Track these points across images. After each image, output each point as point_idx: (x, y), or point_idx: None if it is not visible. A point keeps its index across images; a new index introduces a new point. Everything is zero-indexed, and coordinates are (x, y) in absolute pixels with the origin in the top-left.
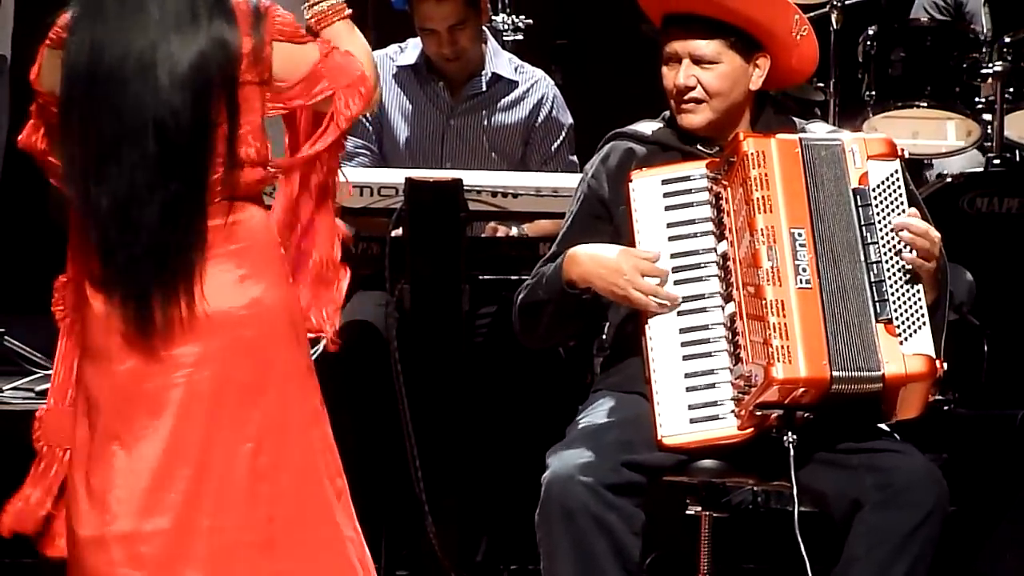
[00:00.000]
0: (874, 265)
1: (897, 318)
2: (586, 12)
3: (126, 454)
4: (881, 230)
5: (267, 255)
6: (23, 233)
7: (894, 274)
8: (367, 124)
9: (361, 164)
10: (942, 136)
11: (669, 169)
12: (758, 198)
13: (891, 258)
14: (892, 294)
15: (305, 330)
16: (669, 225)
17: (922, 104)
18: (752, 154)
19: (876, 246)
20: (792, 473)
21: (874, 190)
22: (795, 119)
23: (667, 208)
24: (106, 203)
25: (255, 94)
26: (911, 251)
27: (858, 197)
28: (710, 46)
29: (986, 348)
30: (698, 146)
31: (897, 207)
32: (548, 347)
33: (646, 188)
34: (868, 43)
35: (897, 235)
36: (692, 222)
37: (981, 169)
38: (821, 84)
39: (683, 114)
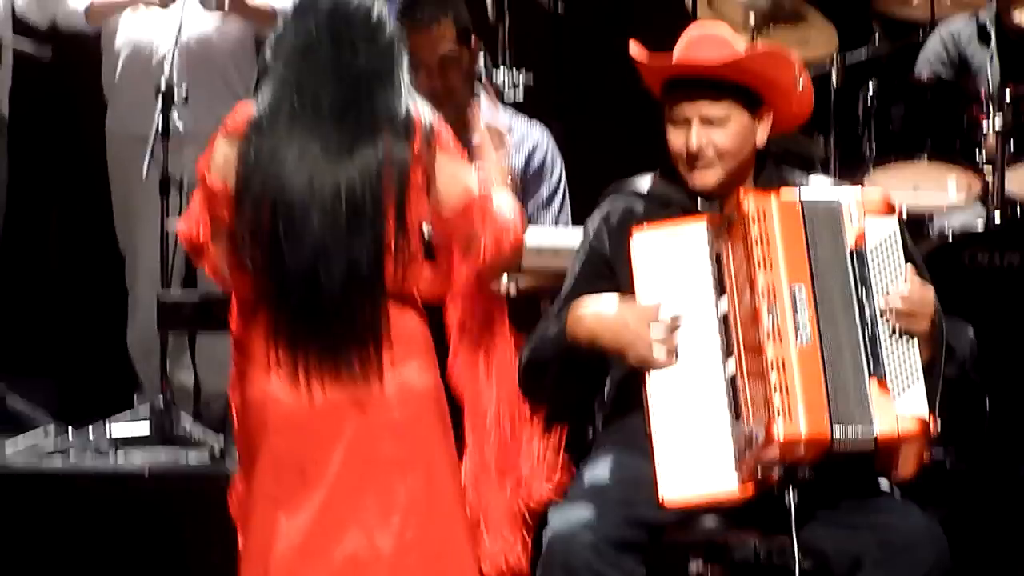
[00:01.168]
0: (869, 322)
1: (890, 375)
2: (587, 68)
3: (287, 520)
4: (877, 288)
5: (417, 344)
6: (24, 293)
7: (889, 332)
8: None
9: None
10: (943, 191)
11: (670, 226)
12: (758, 255)
13: (886, 316)
14: (886, 351)
15: (448, 416)
16: (670, 283)
17: (923, 158)
18: (753, 211)
19: (871, 304)
20: (793, 531)
21: (871, 247)
22: (795, 170)
23: (668, 265)
24: (285, 282)
25: (420, 200)
26: (901, 315)
27: (855, 255)
28: (720, 107)
29: (987, 404)
30: (699, 202)
31: (894, 264)
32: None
33: (648, 245)
34: (869, 99)
35: (889, 306)
36: (693, 279)
37: (982, 224)
38: (821, 140)
39: (695, 175)
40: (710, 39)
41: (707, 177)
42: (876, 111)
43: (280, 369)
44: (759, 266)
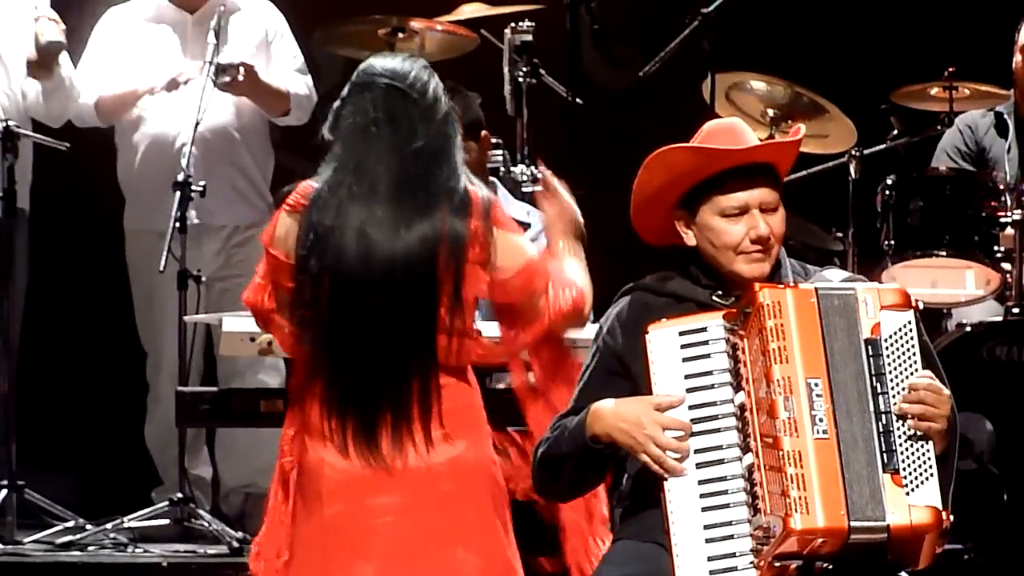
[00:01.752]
0: (883, 415)
1: (904, 469)
2: (603, 162)
3: None
4: (892, 381)
5: (470, 418)
6: (43, 388)
7: (903, 425)
8: None
9: None
10: (961, 285)
11: (686, 321)
12: (774, 348)
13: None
14: (900, 445)
15: (503, 489)
16: (687, 376)
17: (941, 253)
18: (768, 305)
19: (886, 396)
20: None
21: (886, 340)
22: (809, 266)
23: (684, 360)
24: (339, 355)
25: (476, 275)
26: (914, 418)
27: (870, 347)
28: (774, 193)
29: (1005, 497)
30: (714, 297)
31: (909, 358)
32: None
33: (663, 340)
34: (887, 192)
35: (902, 409)
36: (709, 373)
37: (1000, 318)
38: (840, 234)
39: (754, 264)
40: (737, 129)
41: (765, 265)
42: (895, 205)
43: (334, 438)
44: (775, 359)
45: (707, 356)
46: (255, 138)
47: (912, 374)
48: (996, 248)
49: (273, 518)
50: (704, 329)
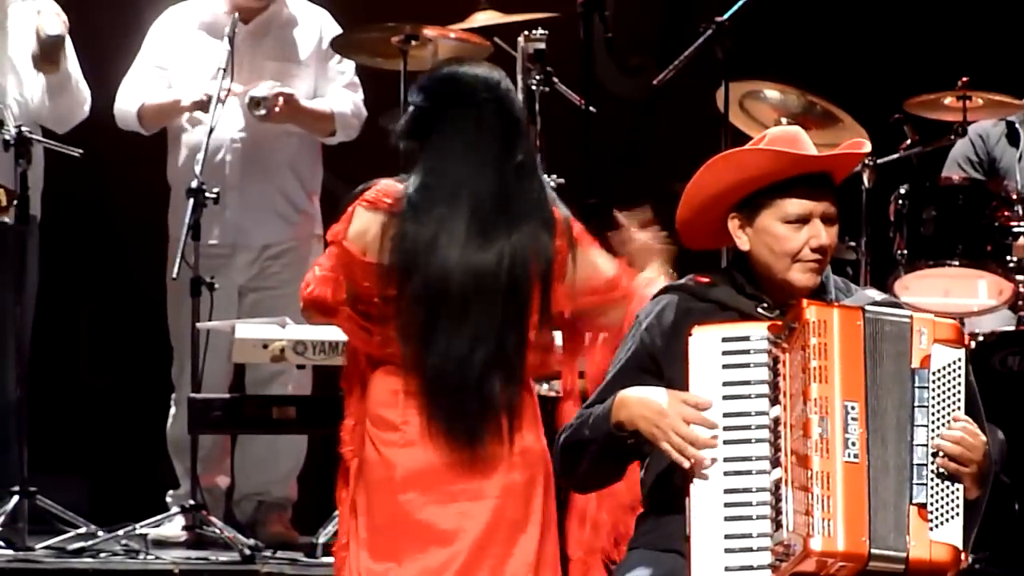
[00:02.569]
0: (919, 448)
1: (931, 504)
2: (617, 170)
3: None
4: (933, 414)
5: (533, 412)
6: (55, 394)
7: (936, 460)
8: None
9: None
10: (974, 295)
11: (730, 328)
12: (815, 367)
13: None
14: (931, 480)
15: (554, 480)
16: (725, 384)
17: (954, 263)
18: (814, 323)
19: (925, 429)
20: None
21: (934, 373)
22: (852, 284)
23: (724, 366)
24: (438, 359)
25: (559, 291)
26: (947, 457)
27: (916, 377)
28: (834, 205)
29: (1017, 507)
30: (759, 308)
31: (954, 395)
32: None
33: (705, 344)
34: (900, 202)
35: (939, 447)
36: (748, 383)
37: (1013, 328)
38: (853, 243)
39: (808, 274)
40: (801, 138)
41: (817, 277)
42: (908, 214)
43: (418, 432)
44: (815, 378)
45: (747, 366)
46: (299, 154)
47: (954, 411)
48: (1009, 258)
49: (341, 509)
50: (747, 338)
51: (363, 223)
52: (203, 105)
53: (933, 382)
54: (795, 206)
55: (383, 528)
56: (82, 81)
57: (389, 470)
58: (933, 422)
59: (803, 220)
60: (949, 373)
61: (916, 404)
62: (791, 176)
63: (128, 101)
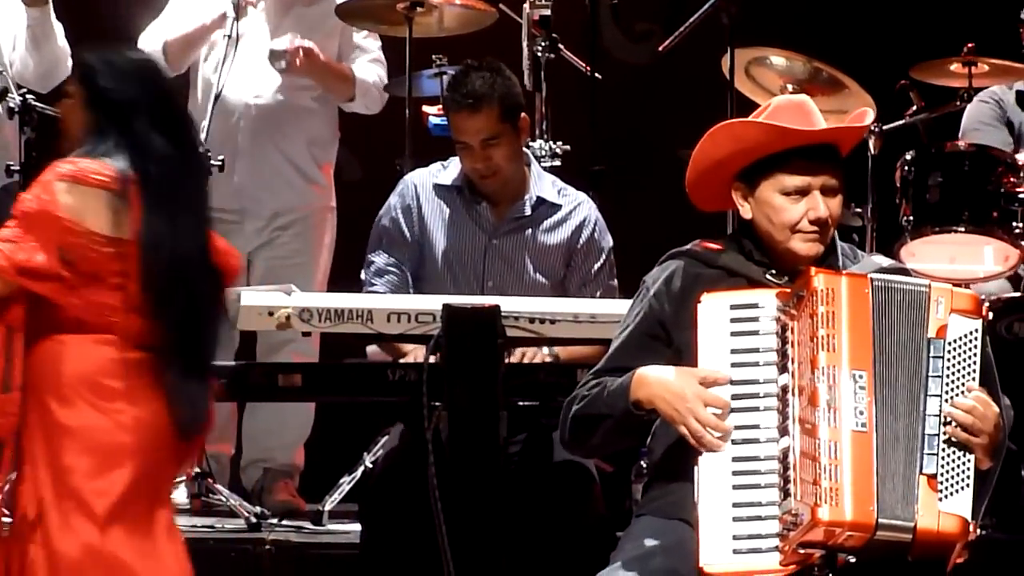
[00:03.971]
0: (931, 418)
1: (942, 475)
2: (623, 138)
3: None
4: (947, 385)
5: None
6: None
7: (947, 430)
8: (406, 240)
9: (390, 283)
10: (980, 261)
11: (739, 294)
12: (823, 336)
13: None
14: (942, 450)
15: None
16: (733, 351)
17: (960, 229)
18: (822, 291)
19: (939, 399)
20: None
21: (950, 344)
22: (858, 251)
23: (733, 334)
24: (175, 325)
25: None
26: (958, 427)
27: (932, 347)
28: (837, 177)
29: (1023, 473)
30: (767, 275)
31: (969, 366)
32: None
33: (714, 310)
34: (906, 168)
35: (951, 416)
36: (756, 350)
37: (1019, 294)
38: (859, 209)
39: (810, 244)
40: (806, 108)
41: (819, 246)
42: (913, 180)
43: (147, 395)
44: (823, 347)
45: (755, 333)
46: (314, 123)
47: (969, 382)
48: (1015, 224)
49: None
50: (756, 305)
51: (77, 198)
52: (224, 18)
53: (949, 352)
54: (793, 179)
55: (120, 493)
56: (63, 37)
57: (118, 434)
58: (947, 392)
59: (802, 192)
60: (965, 344)
61: (930, 374)
62: (787, 149)
63: (150, 42)
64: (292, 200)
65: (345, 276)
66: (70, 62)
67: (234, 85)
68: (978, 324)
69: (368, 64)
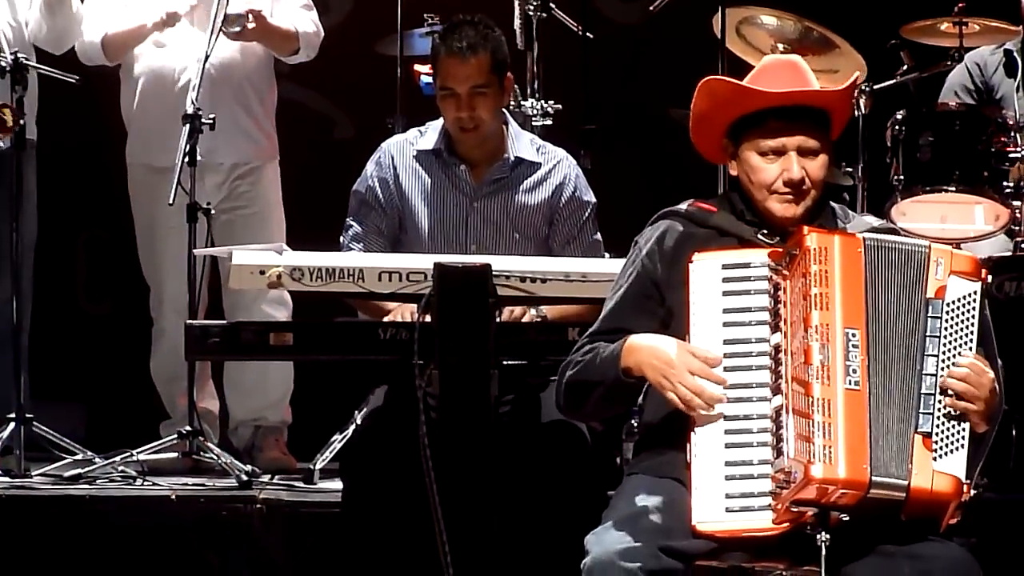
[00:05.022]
0: (928, 377)
1: (937, 434)
2: (614, 97)
3: None
4: (944, 346)
5: None
6: (51, 321)
7: (944, 396)
8: (383, 208)
9: (368, 249)
10: (970, 221)
11: (730, 254)
12: (816, 294)
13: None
14: (938, 410)
15: None
16: (725, 311)
17: (950, 188)
18: (814, 249)
19: (936, 359)
20: (823, 571)
21: (948, 305)
22: (849, 211)
23: (725, 293)
24: None
25: None
26: (953, 395)
27: (930, 307)
28: (816, 138)
29: (1014, 433)
30: (759, 235)
31: (967, 329)
32: (588, 422)
33: (706, 271)
34: (897, 128)
35: (946, 384)
36: (748, 310)
37: (1009, 253)
38: (849, 169)
39: (785, 205)
40: (791, 68)
41: (798, 208)
42: (904, 140)
43: None
44: (815, 305)
45: (747, 292)
46: (258, 74)
47: (966, 343)
48: (1005, 184)
49: None
50: (748, 265)
51: None
52: (168, 23)
53: (947, 313)
54: (767, 140)
55: None
56: (78, 2)
57: None
58: (944, 353)
59: (777, 153)
60: (964, 305)
61: (928, 334)
62: (761, 109)
63: (90, 33)
64: (248, 150)
65: (334, 236)
66: (87, 39)
67: (175, 49)
68: (977, 287)
69: (301, 12)
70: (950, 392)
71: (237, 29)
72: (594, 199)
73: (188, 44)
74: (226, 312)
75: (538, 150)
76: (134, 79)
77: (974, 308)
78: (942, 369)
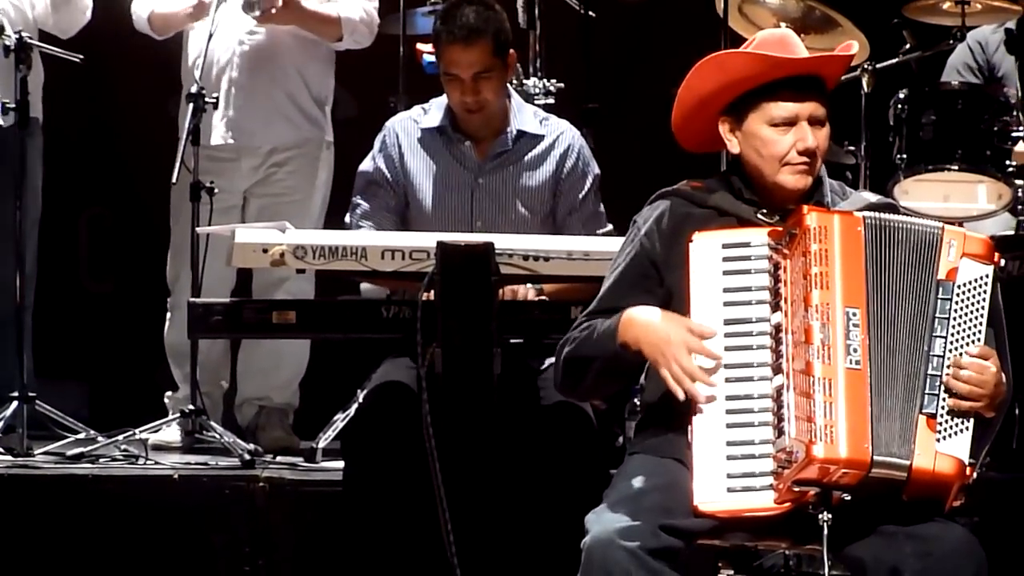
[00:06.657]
0: (935, 358)
1: (941, 416)
2: (617, 75)
3: None
4: (953, 328)
5: None
6: (54, 300)
7: (948, 401)
8: (390, 186)
9: (377, 227)
10: (973, 199)
11: (730, 233)
12: (816, 273)
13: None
14: (943, 393)
15: None
16: (725, 290)
17: (953, 167)
18: (814, 229)
19: (944, 341)
20: (824, 551)
21: (959, 287)
22: (847, 188)
23: (725, 272)
24: None
25: None
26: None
27: (940, 289)
28: (823, 107)
29: (1017, 412)
30: (758, 215)
31: (977, 312)
32: (586, 400)
33: (706, 250)
34: (899, 106)
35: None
36: (748, 289)
37: (1012, 232)
38: (852, 148)
39: (798, 175)
40: (789, 40)
41: (808, 179)
42: (907, 119)
43: None
44: (816, 284)
45: (748, 272)
46: (307, 59)
47: (976, 326)
48: (1008, 163)
49: None
50: (748, 244)
51: None
52: (201, 11)
53: (957, 296)
54: (781, 109)
55: None
56: None
57: None
58: (953, 335)
59: (789, 123)
60: (974, 289)
61: (937, 315)
62: (775, 79)
63: (141, 6)
64: (288, 135)
65: (340, 214)
66: (89, 12)
67: (227, 20)
68: (989, 270)
69: (351, 1)
70: (954, 392)
71: (258, 13)
72: (598, 171)
73: (231, 26)
74: (254, 292)
75: (541, 122)
76: (188, 54)
77: (986, 291)
78: (950, 351)
